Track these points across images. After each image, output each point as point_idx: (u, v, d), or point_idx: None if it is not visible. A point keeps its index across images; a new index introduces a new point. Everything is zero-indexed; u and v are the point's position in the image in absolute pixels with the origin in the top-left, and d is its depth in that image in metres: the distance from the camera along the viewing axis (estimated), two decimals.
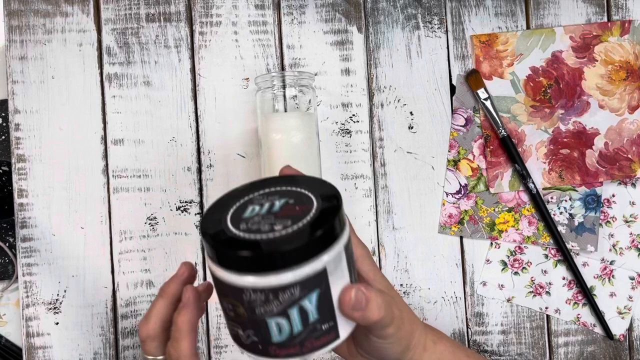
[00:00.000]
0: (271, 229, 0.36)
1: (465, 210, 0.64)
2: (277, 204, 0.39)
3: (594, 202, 0.64)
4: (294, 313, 0.37)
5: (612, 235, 0.64)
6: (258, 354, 0.39)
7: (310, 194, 0.40)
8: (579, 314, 0.64)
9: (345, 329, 0.40)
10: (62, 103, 0.63)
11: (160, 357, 0.45)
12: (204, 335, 0.62)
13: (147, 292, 0.62)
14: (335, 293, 0.39)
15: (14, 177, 0.62)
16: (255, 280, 0.36)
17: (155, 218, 0.63)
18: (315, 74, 0.64)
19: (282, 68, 0.64)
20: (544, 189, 0.64)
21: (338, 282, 0.39)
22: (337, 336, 0.40)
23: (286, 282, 0.36)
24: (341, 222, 0.39)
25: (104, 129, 0.63)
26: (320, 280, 0.37)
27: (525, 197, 0.64)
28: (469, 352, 0.50)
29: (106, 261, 0.62)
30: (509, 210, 0.64)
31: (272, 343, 0.38)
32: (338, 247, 0.38)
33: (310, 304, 0.37)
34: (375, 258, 0.63)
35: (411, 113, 0.64)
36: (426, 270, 0.64)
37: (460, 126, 0.65)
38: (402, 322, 0.44)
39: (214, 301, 0.62)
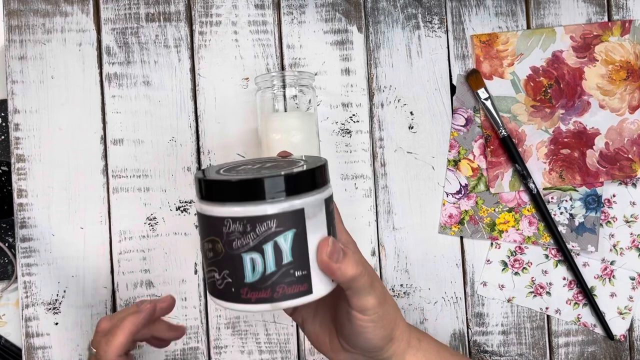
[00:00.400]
0: (258, 172, 0.40)
1: (466, 211, 0.64)
2: (268, 164, 0.43)
3: (594, 202, 0.64)
4: (269, 249, 0.39)
5: (612, 236, 0.64)
6: (231, 300, 0.41)
7: (300, 161, 0.44)
8: (579, 314, 0.64)
9: (319, 288, 0.41)
10: (62, 103, 0.63)
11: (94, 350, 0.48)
12: (204, 335, 0.62)
13: (147, 292, 0.62)
14: (311, 242, 0.40)
15: (14, 177, 0.62)
16: (236, 210, 0.39)
17: (155, 218, 0.62)
18: (315, 74, 0.64)
19: (282, 68, 0.64)
20: (544, 189, 0.64)
21: (315, 232, 0.41)
22: (309, 290, 0.41)
23: (264, 212, 0.39)
24: (324, 178, 0.42)
25: (104, 128, 0.63)
26: (297, 221, 0.40)
27: (525, 197, 0.64)
28: (454, 352, 0.50)
29: (106, 261, 0.62)
30: (510, 210, 0.64)
31: (245, 284, 0.40)
32: (318, 197, 0.41)
33: (285, 242, 0.39)
34: (376, 258, 0.63)
35: (411, 113, 0.64)
36: (426, 271, 0.64)
37: (461, 126, 0.64)
38: (385, 300, 0.44)
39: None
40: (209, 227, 0.40)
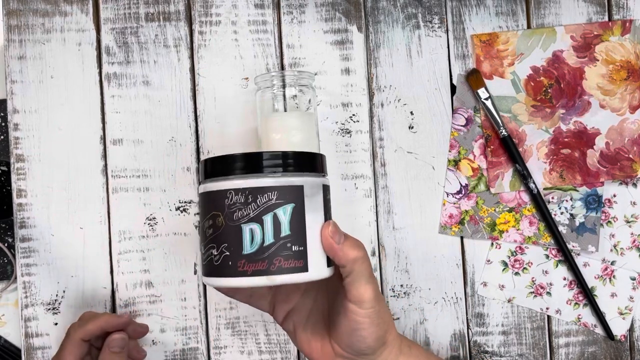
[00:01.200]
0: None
1: (466, 211, 0.64)
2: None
3: (595, 202, 0.64)
4: (268, 220, 0.41)
5: (613, 236, 0.64)
6: (227, 275, 0.42)
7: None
8: (579, 315, 0.64)
9: (315, 269, 0.43)
10: (61, 103, 0.63)
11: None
12: (204, 335, 0.62)
13: (147, 292, 0.62)
14: (309, 220, 0.43)
15: (13, 177, 0.62)
16: (238, 182, 0.42)
17: (154, 218, 0.62)
18: (315, 74, 0.64)
19: (282, 68, 0.64)
20: (544, 189, 0.64)
21: (313, 212, 0.43)
22: (305, 268, 0.42)
23: (265, 184, 0.41)
24: (322, 167, 0.45)
25: (103, 128, 0.63)
26: (296, 196, 0.42)
27: (526, 197, 0.64)
28: None
29: (105, 261, 0.62)
30: (510, 210, 0.64)
31: (243, 256, 0.41)
32: (317, 180, 0.44)
33: (284, 215, 0.42)
34: (376, 258, 0.63)
35: (411, 113, 0.64)
36: (426, 271, 0.63)
37: (461, 126, 0.64)
38: (380, 298, 0.45)
39: (213, 302, 0.62)
40: (211, 203, 0.43)
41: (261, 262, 0.41)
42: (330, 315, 0.48)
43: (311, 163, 0.44)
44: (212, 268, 0.43)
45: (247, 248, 0.41)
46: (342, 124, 0.64)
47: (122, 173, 0.62)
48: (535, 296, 0.64)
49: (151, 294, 0.62)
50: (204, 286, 0.62)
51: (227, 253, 0.42)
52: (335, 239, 0.43)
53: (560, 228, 0.64)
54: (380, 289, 0.63)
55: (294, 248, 0.42)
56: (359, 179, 0.64)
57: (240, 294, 0.49)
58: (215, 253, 0.42)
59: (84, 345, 0.53)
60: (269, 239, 0.41)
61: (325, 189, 0.45)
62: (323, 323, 0.48)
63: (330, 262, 0.45)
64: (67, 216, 0.62)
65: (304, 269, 0.42)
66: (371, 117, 0.64)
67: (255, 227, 0.41)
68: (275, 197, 0.41)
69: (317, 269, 0.43)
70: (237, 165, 0.42)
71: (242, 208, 0.41)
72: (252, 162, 0.42)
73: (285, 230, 0.41)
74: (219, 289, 0.48)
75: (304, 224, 0.42)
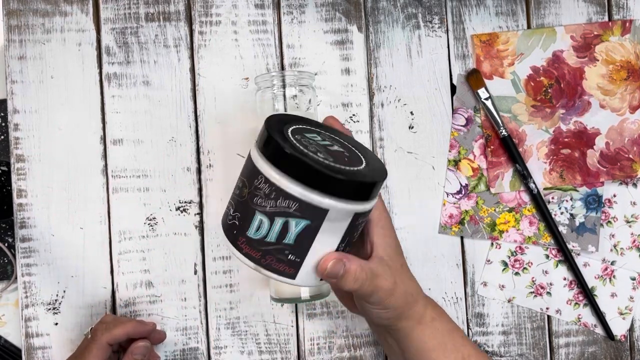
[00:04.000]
0: (314, 152, 0.40)
1: (466, 211, 0.64)
2: (335, 147, 0.43)
3: (595, 202, 0.64)
4: (278, 223, 0.41)
5: (613, 236, 0.64)
6: (229, 239, 0.43)
7: (361, 160, 0.43)
8: (579, 315, 0.64)
9: (302, 279, 0.43)
10: (61, 103, 0.63)
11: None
12: (204, 335, 0.62)
13: (147, 292, 0.62)
14: (318, 240, 0.41)
15: (13, 177, 0.62)
16: (272, 173, 0.40)
17: (154, 218, 0.62)
18: (315, 74, 0.64)
19: (282, 68, 0.64)
20: (544, 189, 0.64)
21: (328, 235, 0.42)
22: (293, 276, 0.42)
23: (292, 192, 0.39)
24: (368, 193, 0.41)
25: (103, 128, 0.63)
26: (316, 216, 0.40)
27: (526, 197, 0.64)
28: (466, 337, 0.51)
29: (105, 261, 0.62)
30: (510, 210, 0.64)
31: (245, 235, 0.42)
32: (350, 208, 0.41)
33: (294, 227, 0.41)
34: None
35: (411, 113, 0.64)
36: (427, 271, 0.63)
37: (461, 126, 0.64)
38: (392, 294, 0.46)
39: (213, 302, 0.62)
40: (249, 170, 0.42)
41: (256, 251, 0.42)
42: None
43: (354, 191, 0.40)
44: (224, 222, 0.44)
45: (251, 232, 0.41)
46: (342, 123, 0.64)
47: (122, 173, 0.62)
48: (535, 296, 0.64)
49: (151, 294, 0.62)
50: (204, 286, 0.62)
51: (236, 222, 0.42)
52: (332, 276, 0.42)
53: (560, 228, 0.64)
54: None
55: (290, 257, 0.42)
56: None
57: None
58: (231, 213, 0.43)
59: (109, 349, 0.55)
60: (272, 238, 0.41)
61: (359, 215, 0.42)
62: None
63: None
64: (68, 216, 0.62)
65: (292, 276, 0.42)
66: (371, 117, 0.64)
67: (266, 221, 0.41)
68: (294, 208, 0.40)
69: (305, 280, 0.43)
70: (278, 158, 0.40)
71: (263, 198, 0.40)
72: (292, 165, 0.39)
73: (289, 239, 0.41)
74: None
75: (312, 241, 0.41)
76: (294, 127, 0.43)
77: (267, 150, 0.40)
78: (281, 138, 0.40)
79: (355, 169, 0.41)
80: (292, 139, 0.41)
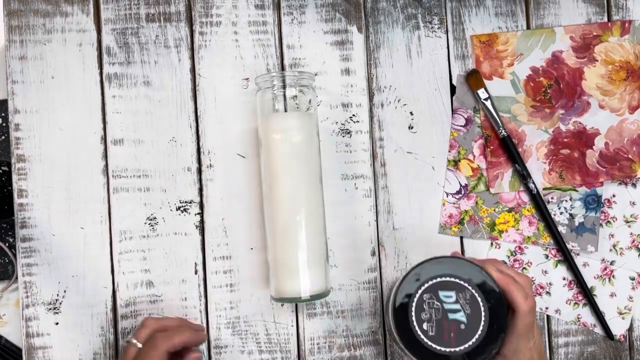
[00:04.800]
0: (423, 322, 0.46)
1: (466, 211, 0.64)
2: (458, 315, 0.47)
3: (594, 202, 0.64)
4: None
5: (612, 236, 0.64)
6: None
7: (482, 326, 0.46)
8: (579, 314, 0.64)
9: None
10: (62, 103, 0.63)
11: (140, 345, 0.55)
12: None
13: (147, 292, 0.62)
14: None
15: (14, 177, 0.62)
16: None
17: (155, 218, 0.62)
18: (315, 74, 0.64)
19: (282, 68, 0.64)
20: (544, 189, 0.64)
21: None
22: None
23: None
24: (491, 345, 0.46)
25: (104, 129, 0.63)
26: None
27: (525, 197, 0.64)
28: None
29: (106, 261, 0.62)
30: (509, 210, 0.64)
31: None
32: None
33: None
34: (376, 258, 0.63)
35: (411, 113, 0.64)
36: None
37: (461, 126, 0.65)
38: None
39: (213, 302, 0.62)
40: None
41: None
42: None
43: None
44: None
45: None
46: (342, 124, 0.64)
47: (123, 173, 0.63)
48: (535, 296, 0.64)
49: (152, 293, 0.62)
50: (205, 286, 0.62)
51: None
52: None
53: (560, 228, 0.64)
54: (382, 291, 0.63)
55: None
56: (359, 179, 0.64)
57: None
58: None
59: (167, 357, 0.54)
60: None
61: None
62: None
63: None
64: (68, 216, 0.62)
65: None
66: (371, 117, 0.64)
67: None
68: None
69: None
70: (393, 322, 0.47)
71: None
72: (398, 335, 0.48)
73: None
74: None
75: None
76: (435, 281, 0.47)
77: (390, 311, 0.48)
78: (401, 307, 0.47)
79: (449, 350, 0.46)
80: (415, 300, 0.47)
